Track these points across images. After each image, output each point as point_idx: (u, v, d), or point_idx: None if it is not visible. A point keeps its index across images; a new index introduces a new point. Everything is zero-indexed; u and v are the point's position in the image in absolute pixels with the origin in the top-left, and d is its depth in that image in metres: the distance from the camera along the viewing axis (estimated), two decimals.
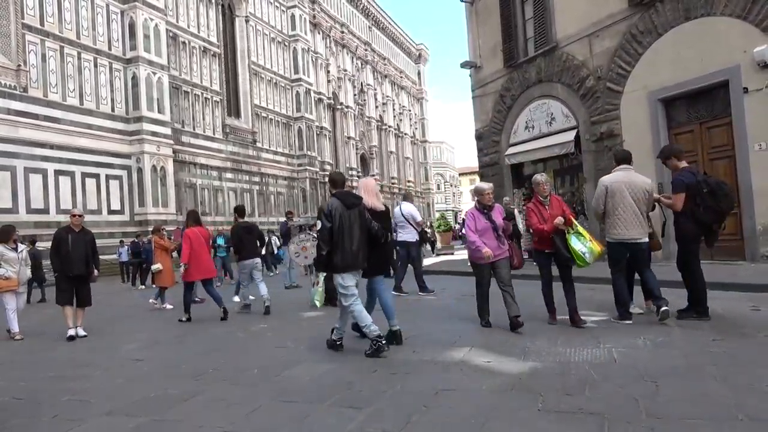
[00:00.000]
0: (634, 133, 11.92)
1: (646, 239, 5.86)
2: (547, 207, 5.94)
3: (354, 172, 44.37)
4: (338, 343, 5.39)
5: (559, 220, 5.71)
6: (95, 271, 7.75)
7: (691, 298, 5.80)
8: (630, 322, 5.77)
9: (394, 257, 8.35)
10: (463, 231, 13.24)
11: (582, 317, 5.84)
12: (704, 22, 10.54)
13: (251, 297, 9.42)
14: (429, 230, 19.08)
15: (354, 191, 5.61)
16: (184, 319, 8.24)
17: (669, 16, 11.13)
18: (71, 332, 7.18)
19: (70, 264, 7.35)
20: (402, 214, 9.61)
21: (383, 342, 4.97)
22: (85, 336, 7.21)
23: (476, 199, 6.12)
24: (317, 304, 6.19)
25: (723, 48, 10.22)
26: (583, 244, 5.74)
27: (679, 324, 5.55)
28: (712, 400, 3.27)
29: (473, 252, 5.97)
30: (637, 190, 5.72)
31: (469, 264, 6.56)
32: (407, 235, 9.62)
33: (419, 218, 10.18)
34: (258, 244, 9.49)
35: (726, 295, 7.10)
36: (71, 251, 7.36)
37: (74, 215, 7.87)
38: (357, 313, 5.12)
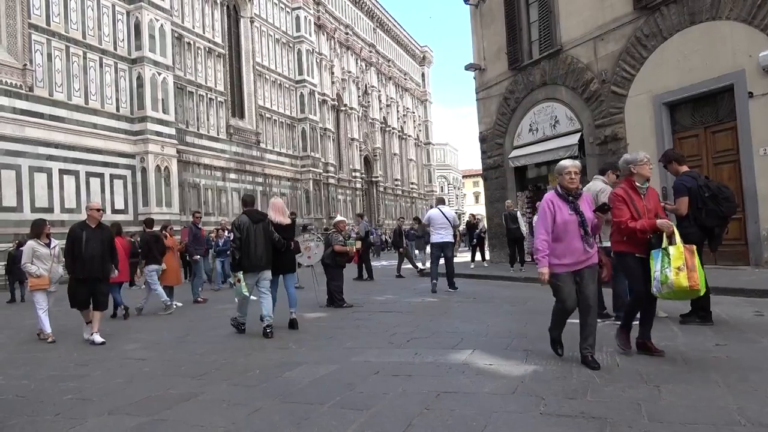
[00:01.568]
0: (639, 137, 11.90)
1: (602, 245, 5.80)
2: (643, 197, 4.58)
3: (357, 174, 44.41)
4: (242, 327, 6.90)
5: (665, 223, 4.33)
6: (115, 271, 7.20)
7: (694, 303, 5.79)
8: (599, 321, 5.85)
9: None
10: (522, 229, 13.16)
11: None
12: (709, 27, 10.52)
13: (143, 301, 9.68)
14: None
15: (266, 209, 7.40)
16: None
17: (674, 20, 11.11)
18: (88, 331, 6.70)
19: (81, 265, 6.66)
20: (445, 216, 10.22)
21: (243, 327, 6.89)
22: (103, 343, 6.51)
23: (557, 182, 4.54)
24: (246, 293, 6.70)
25: (728, 52, 10.20)
26: (664, 269, 4.14)
27: (682, 328, 5.53)
28: (714, 404, 3.26)
29: (551, 260, 4.35)
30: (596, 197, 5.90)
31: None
32: (446, 236, 10.19)
33: (458, 221, 11.18)
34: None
35: (729, 300, 7.07)
36: (84, 251, 6.66)
37: (94, 209, 7.05)
38: (239, 302, 6.86)
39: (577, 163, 4.51)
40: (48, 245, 7.20)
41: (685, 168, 5.91)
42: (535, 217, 5.67)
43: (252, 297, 6.86)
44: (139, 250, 10.63)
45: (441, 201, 11.59)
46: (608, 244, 5.83)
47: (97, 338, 6.58)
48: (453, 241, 10.65)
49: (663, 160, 6.20)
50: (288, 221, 7.39)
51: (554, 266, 4.31)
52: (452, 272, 10.42)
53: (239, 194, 30.65)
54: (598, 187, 6.13)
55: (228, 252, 11.30)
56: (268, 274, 6.86)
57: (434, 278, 10.29)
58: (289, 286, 7.40)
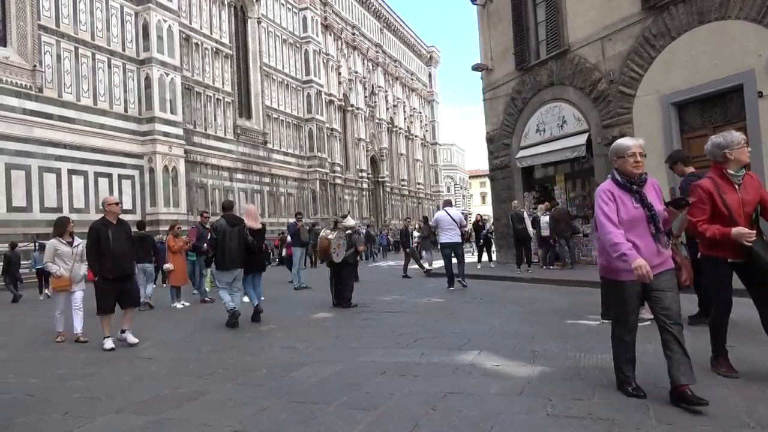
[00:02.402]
0: (647, 137, 11.65)
1: None
2: (738, 189, 3.71)
3: (364, 174, 44.43)
4: (234, 314, 7.30)
5: (741, 233, 3.57)
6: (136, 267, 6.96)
7: (703, 304, 5.75)
8: (608, 321, 5.83)
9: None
10: (529, 229, 13.17)
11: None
12: (718, 26, 10.45)
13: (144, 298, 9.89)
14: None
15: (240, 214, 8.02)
16: None
17: (683, 20, 11.04)
18: (110, 343, 6.18)
19: (111, 263, 6.28)
20: (452, 218, 10.64)
21: (236, 311, 7.29)
22: (136, 343, 6.28)
23: (615, 167, 3.56)
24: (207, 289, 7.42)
25: (737, 52, 10.12)
26: None
27: (691, 330, 5.49)
28: (722, 406, 3.23)
29: (612, 260, 3.39)
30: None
31: (601, 279, 3.77)
32: (454, 237, 10.67)
33: (465, 222, 11.70)
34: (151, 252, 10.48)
35: (739, 300, 6.99)
36: (113, 248, 6.28)
37: (113, 203, 6.62)
38: (221, 294, 7.46)
39: (642, 141, 3.56)
40: (71, 244, 6.96)
41: (691, 169, 5.89)
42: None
43: (225, 295, 7.53)
44: None
45: (448, 203, 11.83)
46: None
47: (131, 338, 6.35)
48: (461, 241, 11.13)
49: (669, 161, 6.19)
50: (259, 226, 8.14)
51: (619, 272, 3.37)
52: (463, 269, 10.91)
53: (246, 194, 30.79)
54: None
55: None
56: (240, 273, 7.61)
57: (450, 275, 10.79)
58: (257, 285, 8.24)
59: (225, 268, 7.40)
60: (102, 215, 6.64)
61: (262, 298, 8.25)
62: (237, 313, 7.35)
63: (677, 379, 3.23)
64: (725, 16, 10.30)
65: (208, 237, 8.94)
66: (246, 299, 8.37)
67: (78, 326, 6.84)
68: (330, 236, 8.73)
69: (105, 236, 6.30)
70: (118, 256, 6.33)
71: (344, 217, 11.83)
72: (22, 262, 17.44)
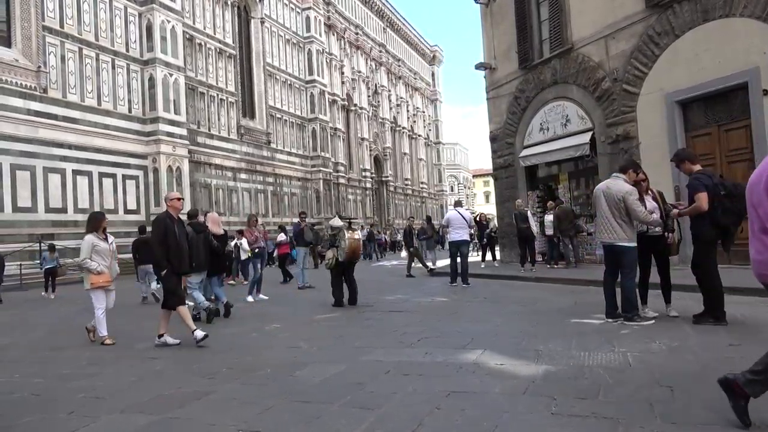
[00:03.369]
0: (651, 136, 11.80)
1: (625, 244, 5.93)
2: None
3: (367, 174, 44.44)
4: (210, 315, 7.84)
5: None
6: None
7: (708, 303, 5.73)
8: (611, 320, 6.02)
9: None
10: (532, 228, 13.27)
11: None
12: (723, 24, 10.41)
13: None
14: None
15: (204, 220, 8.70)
16: None
17: (687, 18, 11.00)
18: (200, 332, 6.06)
19: (180, 258, 6.18)
20: (463, 218, 11.11)
21: (211, 308, 7.92)
22: (205, 337, 6.05)
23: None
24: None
25: (742, 49, 10.08)
26: None
27: (695, 329, 5.48)
28: (728, 405, 3.22)
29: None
30: (610, 198, 5.95)
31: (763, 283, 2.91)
32: (463, 235, 11.08)
33: (473, 222, 12.53)
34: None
35: (744, 299, 6.99)
36: (180, 242, 6.22)
37: (176, 198, 6.51)
38: (195, 295, 7.93)
39: None
40: (106, 240, 6.77)
41: (698, 167, 5.86)
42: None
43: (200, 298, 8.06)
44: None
45: (459, 204, 12.17)
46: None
47: (199, 333, 6.11)
48: (469, 240, 11.75)
49: (675, 160, 6.17)
50: (222, 232, 8.97)
51: None
52: (466, 269, 11.15)
53: (250, 194, 30.84)
54: (626, 188, 5.91)
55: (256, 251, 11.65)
56: (204, 274, 8.34)
57: (453, 272, 11.29)
58: (215, 285, 9.00)
59: (194, 272, 7.56)
60: (182, 205, 6.64)
61: (224, 299, 8.75)
62: (214, 310, 8.00)
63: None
64: (730, 13, 10.26)
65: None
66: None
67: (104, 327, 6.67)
68: (356, 236, 9.00)
69: (172, 231, 6.17)
70: (185, 252, 6.30)
71: (341, 217, 12.09)
72: (26, 263, 17.54)
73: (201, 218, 8.92)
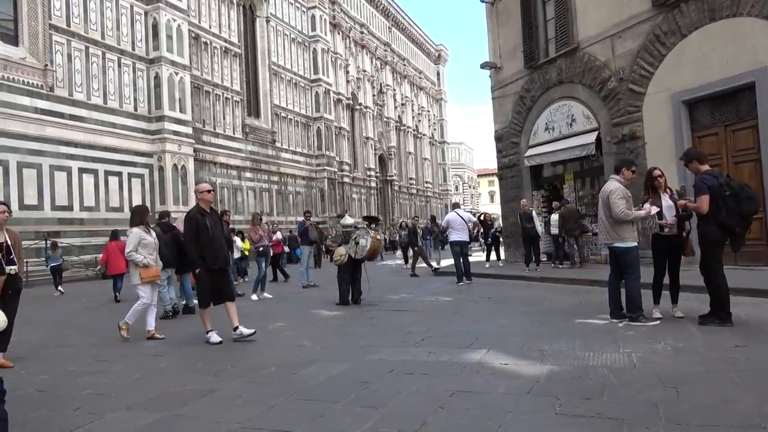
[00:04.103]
0: (657, 136, 11.75)
1: (622, 245, 6.00)
2: None
3: (372, 173, 44.43)
4: (170, 314, 8.47)
5: None
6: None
7: (713, 304, 5.70)
8: (616, 321, 6.02)
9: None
10: (537, 228, 13.57)
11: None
12: (730, 23, 10.35)
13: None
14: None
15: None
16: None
17: (693, 17, 10.95)
18: (216, 337, 6.00)
19: (214, 254, 5.96)
20: (462, 219, 11.67)
21: (175, 307, 8.71)
22: (252, 333, 6.08)
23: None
24: None
25: (749, 49, 10.02)
26: None
27: (701, 329, 5.45)
28: (733, 407, 3.21)
29: None
30: (602, 199, 6.10)
31: None
32: (463, 236, 11.65)
33: (474, 218, 13.25)
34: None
35: (750, 300, 6.96)
36: (213, 237, 5.96)
37: (206, 190, 6.24)
38: (163, 295, 8.33)
39: None
40: (149, 233, 6.75)
41: (706, 167, 5.84)
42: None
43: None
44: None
45: (456, 205, 12.85)
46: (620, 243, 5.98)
47: (245, 330, 6.08)
48: (469, 240, 12.40)
49: (684, 159, 6.16)
50: None
51: None
52: (468, 267, 11.74)
53: (255, 193, 30.90)
54: (610, 187, 6.08)
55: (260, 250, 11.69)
56: (170, 271, 8.72)
57: (459, 272, 11.60)
58: (186, 282, 9.31)
59: (163, 267, 7.82)
60: (212, 197, 6.40)
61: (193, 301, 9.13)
62: (177, 309, 8.75)
63: None
64: (737, 13, 10.20)
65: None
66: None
67: (152, 322, 6.72)
68: (378, 236, 9.17)
69: (204, 225, 5.93)
70: (219, 247, 6.06)
71: (341, 216, 12.30)
72: (32, 260, 17.62)
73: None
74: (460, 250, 11.52)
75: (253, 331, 6.16)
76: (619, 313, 6.09)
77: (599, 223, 6.31)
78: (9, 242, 5.49)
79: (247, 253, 13.89)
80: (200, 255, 5.94)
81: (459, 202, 13.76)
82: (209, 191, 6.26)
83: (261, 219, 12.73)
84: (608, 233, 6.07)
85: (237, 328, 6.10)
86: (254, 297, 10.56)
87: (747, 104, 10.33)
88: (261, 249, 11.55)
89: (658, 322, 5.89)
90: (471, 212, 19.06)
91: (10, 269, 5.41)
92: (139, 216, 6.86)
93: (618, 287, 6.16)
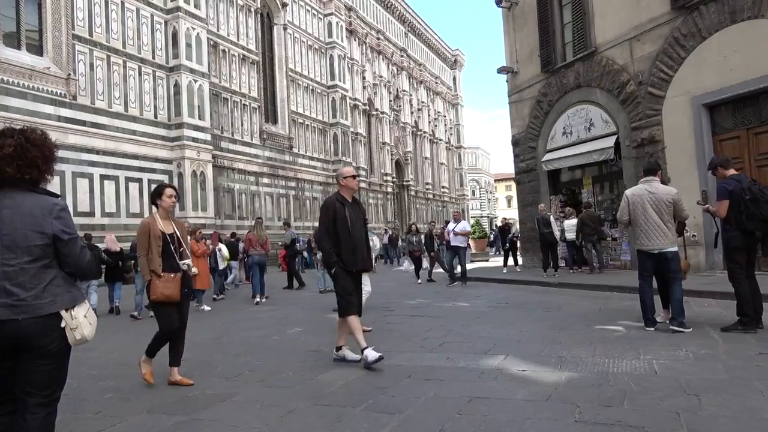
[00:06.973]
0: (677, 139, 11.60)
1: (673, 249, 5.88)
2: None
3: (388, 178, 44.47)
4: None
5: None
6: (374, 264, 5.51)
7: (737, 310, 5.63)
8: (651, 329, 5.85)
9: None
10: (555, 233, 13.71)
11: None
12: (751, 25, 10.20)
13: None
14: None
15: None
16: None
17: (714, 19, 10.81)
18: (374, 353, 4.73)
19: (353, 252, 4.91)
20: (457, 230, 13.27)
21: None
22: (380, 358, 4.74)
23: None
24: None
25: None
26: None
27: (723, 336, 5.37)
28: (756, 415, 3.15)
29: None
30: (659, 202, 5.84)
31: None
32: (461, 242, 13.31)
33: (468, 228, 14.90)
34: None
35: None
36: (352, 232, 4.92)
37: (350, 176, 5.16)
38: (91, 299, 9.04)
39: None
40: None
41: (731, 171, 5.79)
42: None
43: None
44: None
45: (457, 215, 14.24)
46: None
47: (350, 354, 5.08)
48: (465, 246, 13.79)
49: (709, 168, 6.17)
50: (118, 249, 10.84)
51: None
52: (464, 271, 13.08)
53: (272, 198, 31.10)
54: (674, 190, 6.09)
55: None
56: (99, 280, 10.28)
57: (451, 271, 13.46)
58: (117, 290, 10.83)
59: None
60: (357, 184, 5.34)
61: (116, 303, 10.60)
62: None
63: None
64: (758, 14, 10.05)
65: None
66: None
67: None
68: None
69: (342, 216, 4.91)
70: (359, 245, 4.98)
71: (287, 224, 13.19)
72: None
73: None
74: (456, 253, 13.18)
75: (359, 357, 4.95)
76: (655, 320, 5.98)
77: (648, 228, 5.85)
78: (178, 233, 4.77)
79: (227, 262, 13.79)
80: (336, 252, 4.93)
81: (459, 213, 15.02)
82: (354, 177, 5.18)
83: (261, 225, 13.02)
84: (665, 237, 5.80)
85: (368, 348, 4.81)
86: (256, 300, 11.28)
87: None
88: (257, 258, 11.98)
89: (652, 329, 5.84)
90: (488, 216, 18.90)
91: (184, 264, 4.68)
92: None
93: (652, 293, 6.03)
